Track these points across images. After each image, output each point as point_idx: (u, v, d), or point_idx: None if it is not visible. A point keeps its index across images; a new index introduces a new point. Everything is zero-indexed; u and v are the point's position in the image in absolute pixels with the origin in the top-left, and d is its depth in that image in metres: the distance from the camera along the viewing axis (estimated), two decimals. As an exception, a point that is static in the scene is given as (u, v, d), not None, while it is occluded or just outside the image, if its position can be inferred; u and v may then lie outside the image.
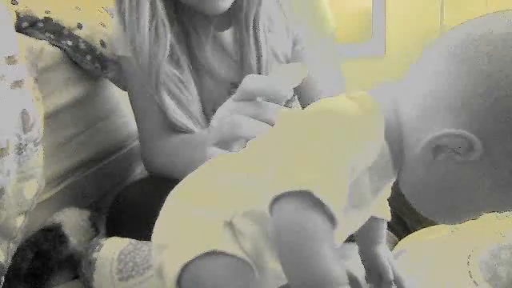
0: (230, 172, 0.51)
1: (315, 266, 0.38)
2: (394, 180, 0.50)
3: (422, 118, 0.44)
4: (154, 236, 0.51)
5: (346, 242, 0.54)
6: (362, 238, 0.61)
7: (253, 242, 0.47)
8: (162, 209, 0.51)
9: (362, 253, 0.62)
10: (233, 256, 0.45)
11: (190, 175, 0.53)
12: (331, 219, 0.39)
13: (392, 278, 0.60)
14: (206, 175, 0.53)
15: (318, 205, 0.39)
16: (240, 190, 0.49)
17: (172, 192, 0.52)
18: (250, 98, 0.67)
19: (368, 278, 0.62)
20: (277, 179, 0.41)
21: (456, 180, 0.44)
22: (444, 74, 0.43)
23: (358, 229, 0.54)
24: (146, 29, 0.84)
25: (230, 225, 0.47)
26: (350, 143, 0.43)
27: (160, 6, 0.85)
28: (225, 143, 0.67)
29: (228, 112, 0.68)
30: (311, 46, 0.95)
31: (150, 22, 0.85)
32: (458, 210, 0.47)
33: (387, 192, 0.55)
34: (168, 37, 0.86)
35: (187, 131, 0.89)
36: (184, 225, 0.48)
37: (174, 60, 0.89)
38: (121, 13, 0.88)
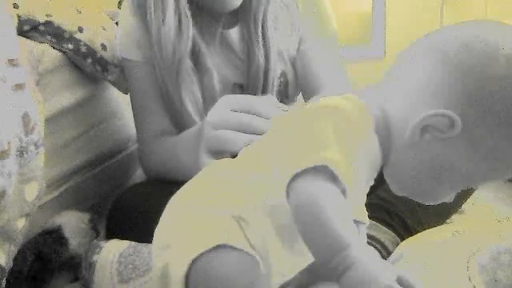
0: (235, 171, 0.53)
1: (332, 230, 0.42)
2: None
3: (409, 106, 0.50)
4: (155, 240, 0.51)
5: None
6: None
7: (262, 236, 0.49)
8: (164, 214, 0.52)
9: None
10: (241, 250, 0.47)
11: (191, 180, 0.54)
12: (343, 192, 0.44)
13: None
14: (210, 177, 0.54)
15: (331, 178, 0.43)
16: (248, 185, 0.50)
17: (173, 197, 0.53)
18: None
19: None
20: (292, 163, 0.45)
21: (440, 158, 0.49)
22: (423, 66, 0.50)
23: None
24: (172, 21, 0.85)
25: (238, 220, 0.49)
26: (348, 132, 0.48)
27: (183, 2, 0.86)
28: (215, 153, 0.69)
29: (220, 118, 0.70)
30: (315, 44, 0.96)
31: (175, 15, 0.86)
32: (439, 188, 0.52)
33: (364, 198, 0.59)
34: (191, 30, 0.87)
35: (193, 125, 0.89)
36: (191, 222, 0.49)
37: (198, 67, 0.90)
38: (140, 10, 0.89)
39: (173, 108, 0.91)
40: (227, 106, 0.75)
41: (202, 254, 0.46)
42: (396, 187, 0.55)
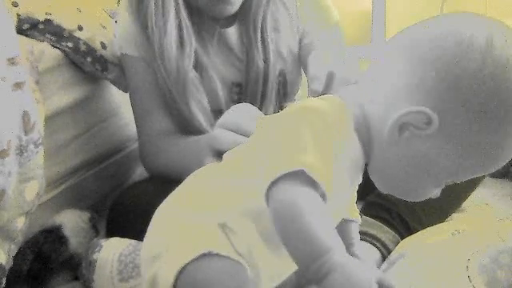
0: (219, 177, 0.53)
1: (312, 236, 0.41)
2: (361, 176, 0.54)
3: (386, 104, 0.50)
4: (143, 251, 0.52)
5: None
6: None
7: (247, 241, 0.49)
8: (151, 223, 0.52)
9: None
10: (227, 257, 0.47)
11: (177, 188, 0.54)
12: (322, 195, 0.43)
13: None
14: (196, 183, 0.54)
15: (309, 182, 0.43)
16: (232, 191, 0.50)
17: (160, 206, 0.53)
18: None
19: None
20: (269, 168, 0.44)
21: (421, 155, 0.49)
22: (399, 63, 0.50)
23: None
24: (173, 34, 0.85)
25: (223, 227, 0.49)
26: (327, 133, 0.48)
27: (184, 12, 0.86)
28: (219, 154, 0.69)
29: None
30: (318, 36, 0.96)
31: (176, 27, 0.86)
32: (423, 185, 0.52)
33: (354, 196, 0.59)
34: (193, 43, 0.88)
35: (203, 132, 0.89)
36: (177, 231, 0.49)
37: (196, 68, 0.89)
38: (141, 15, 0.88)
39: (180, 114, 0.90)
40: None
41: (188, 264, 0.46)
42: (380, 185, 0.55)
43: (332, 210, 0.51)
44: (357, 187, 0.57)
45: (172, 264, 0.46)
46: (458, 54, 0.47)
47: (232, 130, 0.69)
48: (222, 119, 0.72)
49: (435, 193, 0.54)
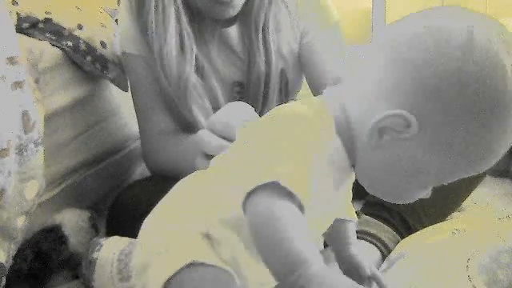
0: (203, 185, 0.53)
1: (287, 249, 0.40)
2: (353, 175, 0.53)
3: (365, 107, 0.48)
4: (134, 262, 0.52)
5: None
6: (335, 243, 0.64)
7: (231, 249, 0.49)
8: (140, 234, 0.52)
9: (338, 257, 0.64)
10: (213, 266, 0.46)
11: (164, 198, 0.54)
12: (299, 206, 0.42)
13: (369, 273, 0.62)
14: (180, 192, 0.54)
15: (285, 193, 0.42)
16: (212, 200, 0.50)
17: (148, 217, 0.53)
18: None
19: None
20: (246, 179, 0.44)
21: (404, 158, 0.48)
22: (377, 64, 0.48)
23: (328, 234, 0.57)
24: (173, 42, 0.85)
25: (207, 236, 0.49)
26: (307, 139, 0.47)
27: (185, 19, 0.86)
28: (207, 155, 0.69)
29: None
30: (318, 36, 0.96)
31: (176, 34, 0.85)
32: (409, 188, 0.51)
33: (350, 194, 0.58)
34: (194, 49, 0.87)
35: None
36: (162, 242, 0.49)
37: (197, 68, 0.89)
38: (141, 21, 0.88)
39: (181, 115, 0.90)
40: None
41: (174, 275, 0.45)
42: (368, 187, 0.53)
43: (317, 218, 0.51)
44: (349, 187, 0.56)
45: (158, 276, 0.46)
46: (435, 54, 0.44)
47: (219, 132, 0.69)
48: (213, 118, 0.72)
49: (425, 194, 0.52)
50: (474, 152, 0.46)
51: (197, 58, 0.90)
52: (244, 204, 0.43)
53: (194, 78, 0.87)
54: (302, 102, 0.52)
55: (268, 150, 0.45)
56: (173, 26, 0.85)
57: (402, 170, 0.49)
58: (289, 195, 0.42)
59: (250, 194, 0.43)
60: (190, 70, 0.86)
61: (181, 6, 0.86)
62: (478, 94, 0.44)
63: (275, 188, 0.42)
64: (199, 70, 0.91)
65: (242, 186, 0.43)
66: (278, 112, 0.51)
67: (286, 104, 0.53)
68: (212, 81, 0.92)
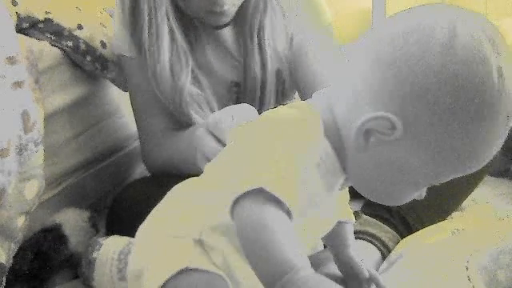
0: (195, 191, 0.53)
1: (275, 254, 0.40)
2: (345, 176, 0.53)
3: (351, 109, 0.48)
4: (128, 269, 0.52)
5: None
6: (333, 245, 0.64)
7: (223, 255, 0.49)
8: (135, 240, 0.53)
9: (336, 260, 0.64)
10: (206, 271, 0.47)
11: (158, 204, 0.54)
12: (286, 212, 0.42)
13: (367, 275, 0.62)
14: (174, 199, 0.54)
15: (272, 199, 0.42)
16: (205, 206, 0.50)
17: (143, 224, 0.53)
18: None
19: (348, 283, 0.63)
20: (233, 185, 0.43)
21: (392, 160, 0.47)
22: (361, 67, 0.48)
23: (326, 235, 0.57)
24: (167, 60, 0.85)
25: (199, 242, 0.49)
26: (293, 144, 0.46)
27: (180, 36, 0.86)
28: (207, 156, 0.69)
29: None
30: (310, 37, 0.95)
31: (171, 51, 0.86)
32: (401, 189, 0.50)
33: (346, 195, 0.58)
34: (190, 64, 0.87)
35: None
36: (157, 249, 0.49)
37: (194, 79, 0.90)
38: (135, 36, 0.88)
39: (181, 120, 0.91)
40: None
41: (167, 281, 0.46)
42: (359, 189, 0.53)
43: (312, 221, 0.51)
44: (344, 188, 0.55)
45: (152, 282, 0.47)
46: (417, 54, 0.44)
47: (215, 134, 0.69)
48: (212, 118, 0.72)
49: (417, 195, 0.52)
50: (462, 152, 0.46)
51: (193, 68, 0.90)
52: (232, 210, 0.43)
53: (190, 90, 0.88)
54: (290, 106, 0.52)
55: (255, 156, 0.45)
56: (166, 46, 0.85)
57: (390, 172, 0.48)
58: (276, 201, 0.42)
59: (237, 201, 0.43)
60: (185, 80, 0.87)
61: (174, 22, 0.86)
62: (460, 93, 0.43)
63: (262, 194, 0.42)
64: (196, 79, 0.91)
65: (229, 192, 0.43)
66: (266, 117, 0.50)
67: (275, 109, 0.52)
68: (207, 80, 0.92)
